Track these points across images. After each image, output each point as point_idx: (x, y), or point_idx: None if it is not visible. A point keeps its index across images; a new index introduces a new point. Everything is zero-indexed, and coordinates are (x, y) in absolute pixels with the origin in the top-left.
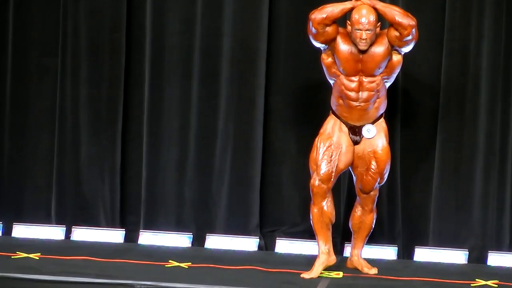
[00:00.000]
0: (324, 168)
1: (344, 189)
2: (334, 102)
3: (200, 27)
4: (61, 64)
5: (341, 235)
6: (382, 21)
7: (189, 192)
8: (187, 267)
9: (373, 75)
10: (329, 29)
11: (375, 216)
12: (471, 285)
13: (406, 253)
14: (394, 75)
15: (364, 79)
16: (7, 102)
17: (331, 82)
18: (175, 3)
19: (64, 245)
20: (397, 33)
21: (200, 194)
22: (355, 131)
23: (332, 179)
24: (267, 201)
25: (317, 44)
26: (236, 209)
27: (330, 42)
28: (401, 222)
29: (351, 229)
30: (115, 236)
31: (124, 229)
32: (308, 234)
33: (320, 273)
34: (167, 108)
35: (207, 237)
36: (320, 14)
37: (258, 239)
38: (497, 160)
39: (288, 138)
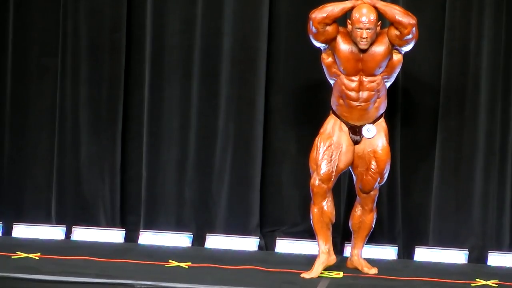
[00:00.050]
0: (324, 168)
1: (344, 189)
2: (334, 101)
3: (200, 27)
4: (61, 64)
5: (341, 235)
6: (383, 20)
7: (189, 192)
8: (187, 267)
9: (373, 75)
10: (329, 28)
11: (375, 216)
12: (471, 285)
13: (406, 253)
14: (395, 75)
15: (364, 79)
16: (7, 102)
17: (331, 82)
18: (176, 3)
19: (64, 245)
20: (397, 32)
21: (200, 194)
22: (355, 131)
23: (332, 179)
24: (267, 201)
25: (317, 44)
26: (236, 209)
27: (331, 42)
28: (401, 221)
29: (351, 229)
30: (115, 236)
31: (124, 229)
32: (308, 234)
33: (320, 273)
34: (167, 108)
35: (207, 237)
36: (320, 13)
37: (258, 239)
38: (497, 159)
39: (288, 138)
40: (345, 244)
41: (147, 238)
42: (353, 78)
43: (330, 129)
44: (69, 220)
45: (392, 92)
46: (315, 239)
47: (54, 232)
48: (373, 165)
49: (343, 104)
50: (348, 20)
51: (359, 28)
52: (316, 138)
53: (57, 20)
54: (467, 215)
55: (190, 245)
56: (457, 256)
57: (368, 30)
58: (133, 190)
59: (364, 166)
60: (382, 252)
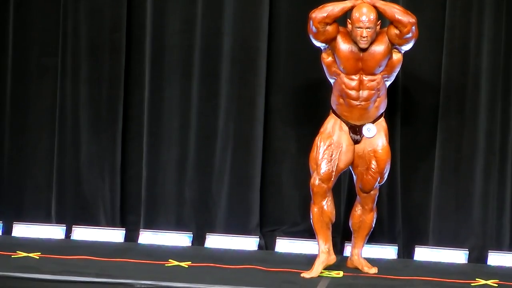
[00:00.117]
0: (324, 167)
1: (344, 188)
2: (334, 101)
3: (200, 27)
4: (61, 64)
5: (341, 234)
6: (382, 19)
7: (189, 192)
8: (187, 266)
9: (373, 74)
10: (329, 28)
11: (375, 216)
12: (471, 284)
13: (406, 252)
14: (395, 74)
15: (364, 78)
16: (7, 102)
17: (332, 81)
18: (176, 3)
19: (64, 244)
20: (397, 31)
21: (200, 193)
22: (355, 130)
23: (332, 179)
24: (267, 200)
25: (317, 43)
26: (236, 208)
27: (331, 41)
28: (401, 221)
29: (351, 229)
30: (115, 235)
31: (124, 229)
32: (308, 233)
33: (320, 273)
34: (167, 108)
35: (207, 236)
36: (320, 13)
37: (258, 239)
38: (497, 159)
39: (288, 137)
40: (345, 244)
41: (147, 237)
42: (353, 77)
43: (330, 128)
44: (69, 220)
45: (392, 91)
46: (315, 238)
47: (54, 232)
48: (373, 164)
49: (343, 104)
50: (348, 20)
51: (359, 27)
52: (316, 138)
53: (57, 20)
54: (467, 214)
55: (190, 244)
56: (457, 256)
57: (368, 29)
58: (133, 190)
59: (364, 165)
60: (382, 252)
